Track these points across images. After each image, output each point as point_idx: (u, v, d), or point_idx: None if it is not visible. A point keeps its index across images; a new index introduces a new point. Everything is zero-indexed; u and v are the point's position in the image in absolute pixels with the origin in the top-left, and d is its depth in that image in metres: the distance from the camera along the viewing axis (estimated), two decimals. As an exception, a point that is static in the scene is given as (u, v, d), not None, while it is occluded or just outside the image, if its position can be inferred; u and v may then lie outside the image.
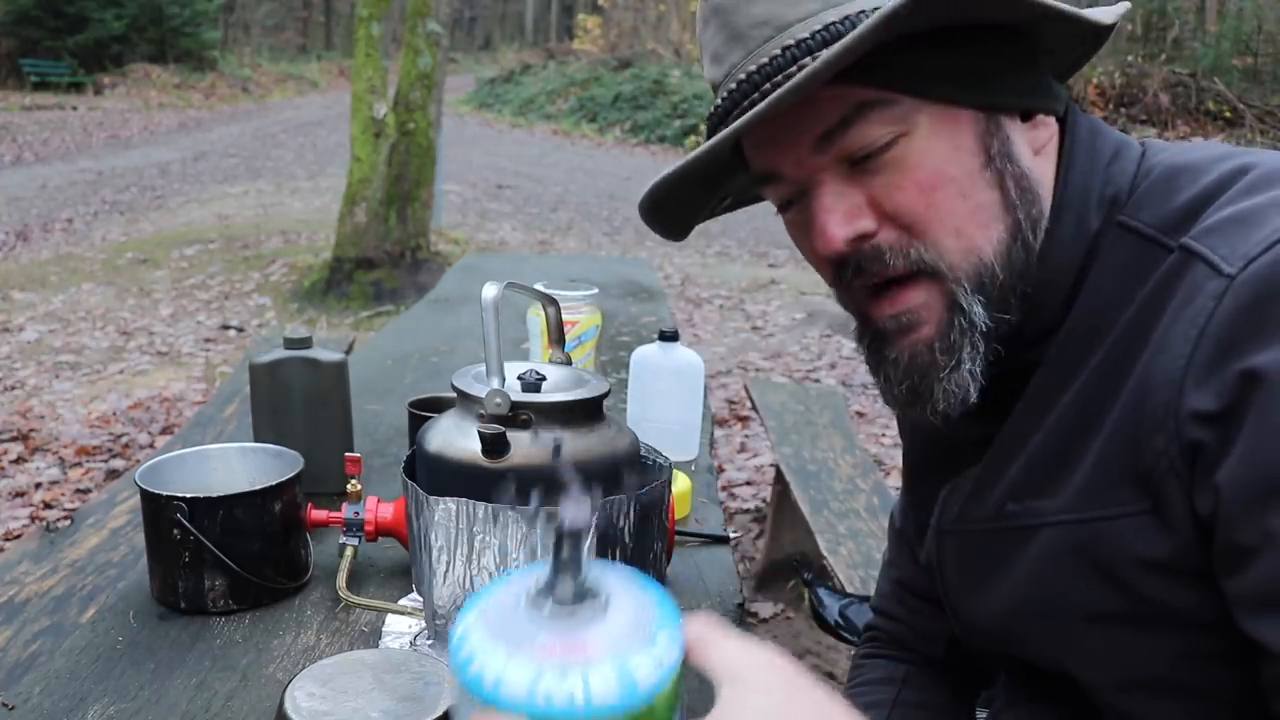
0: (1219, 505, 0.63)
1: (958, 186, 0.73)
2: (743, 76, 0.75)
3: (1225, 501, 0.63)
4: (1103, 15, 0.76)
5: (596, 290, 1.74)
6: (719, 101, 0.78)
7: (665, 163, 13.39)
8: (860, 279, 0.76)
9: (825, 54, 0.67)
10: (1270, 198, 0.67)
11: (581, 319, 1.70)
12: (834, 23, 0.72)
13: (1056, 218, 0.75)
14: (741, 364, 5.00)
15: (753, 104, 0.73)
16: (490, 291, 0.89)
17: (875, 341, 0.79)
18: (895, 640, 1.06)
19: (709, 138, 0.77)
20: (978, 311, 0.73)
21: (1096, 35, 0.79)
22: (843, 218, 0.74)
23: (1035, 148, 0.77)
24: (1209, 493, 0.64)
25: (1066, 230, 0.75)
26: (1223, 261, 0.65)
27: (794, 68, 0.71)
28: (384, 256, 6.41)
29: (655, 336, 1.64)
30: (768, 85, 0.72)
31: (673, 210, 0.88)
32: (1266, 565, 0.61)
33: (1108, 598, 0.71)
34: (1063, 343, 0.75)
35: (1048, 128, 0.78)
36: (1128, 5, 0.80)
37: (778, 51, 0.73)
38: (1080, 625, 0.75)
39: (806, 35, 0.72)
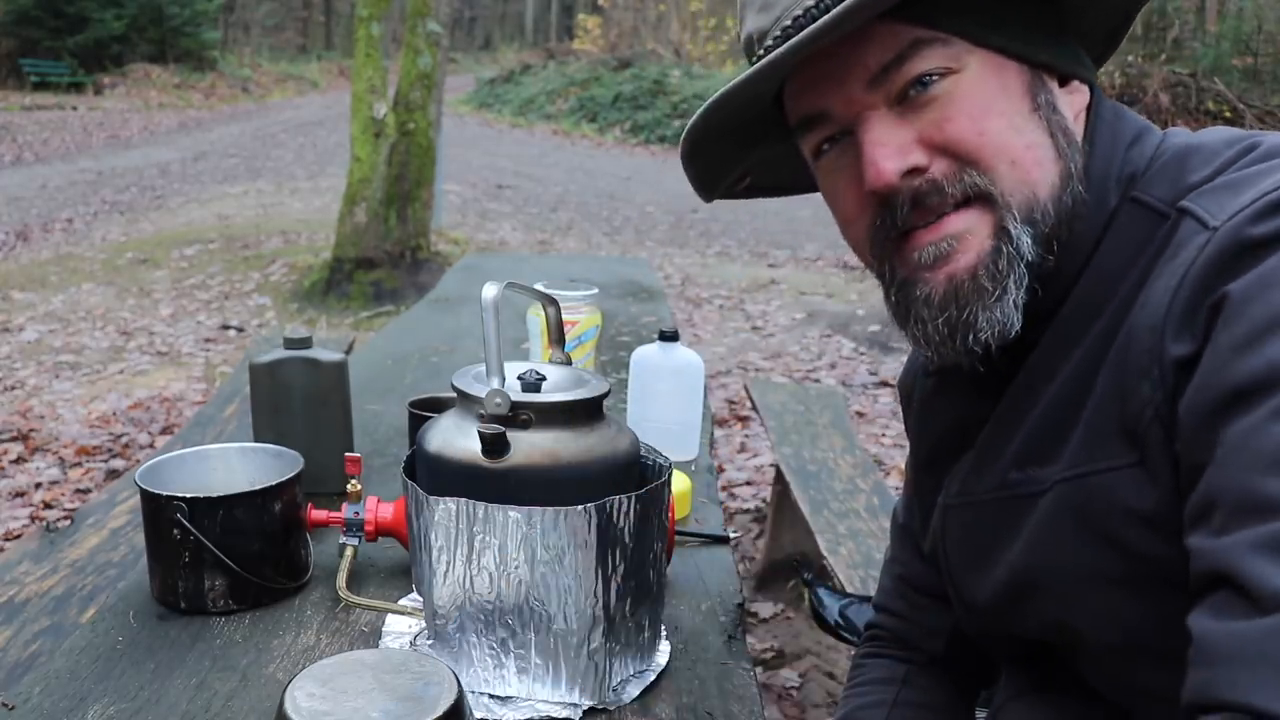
0: (1182, 435, 0.63)
1: (1010, 121, 0.73)
2: (799, 12, 0.74)
3: (1184, 428, 0.63)
4: None
5: (596, 290, 1.74)
6: (769, 43, 0.77)
7: (665, 162, 13.47)
8: (918, 215, 0.75)
9: None
10: (1267, 166, 0.69)
11: (581, 319, 1.69)
12: None
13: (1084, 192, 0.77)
14: (741, 364, 5.00)
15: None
16: (490, 291, 0.89)
17: (905, 286, 0.77)
18: (897, 638, 1.06)
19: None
20: (1026, 242, 0.73)
21: (1125, 14, 0.81)
22: (895, 150, 0.73)
23: (1073, 112, 0.78)
24: (1177, 426, 0.64)
25: (1089, 207, 0.76)
26: (1210, 217, 0.66)
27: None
28: (384, 256, 6.40)
29: (655, 336, 1.64)
30: (825, 18, 0.71)
31: (709, 162, 0.87)
32: (1210, 475, 0.61)
33: (1102, 558, 0.71)
34: (1067, 315, 0.76)
35: (1082, 95, 0.79)
36: None
37: None
38: (1078, 589, 0.74)
39: None
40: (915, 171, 0.74)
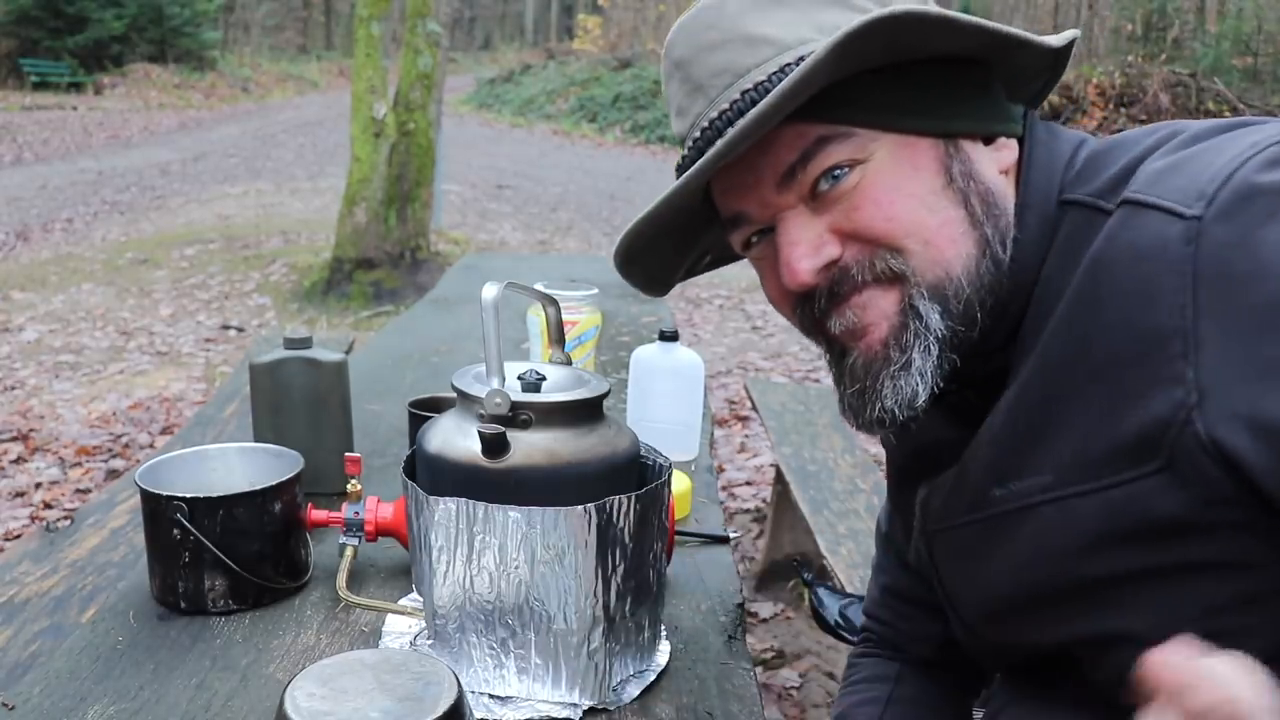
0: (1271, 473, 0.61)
1: (920, 201, 0.74)
2: (705, 124, 0.77)
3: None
4: (1052, 40, 0.78)
5: (596, 290, 1.74)
6: (685, 152, 0.80)
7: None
8: (833, 304, 0.77)
9: (777, 89, 0.69)
10: (1201, 148, 0.69)
11: (581, 319, 1.70)
12: (788, 64, 0.73)
13: (1020, 220, 0.77)
14: (741, 364, 5.00)
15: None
16: (490, 291, 0.89)
17: (840, 356, 0.80)
18: (888, 642, 1.07)
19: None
20: (934, 319, 0.74)
21: (1054, 61, 0.80)
22: (808, 249, 0.75)
23: (1002, 169, 0.78)
24: (1257, 436, 0.62)
25: (1030, 230, 0.76)
26: (1179, 205, 0.65)
27: (752, 110, 0.72)
28: (384, 256, 6.40)
29: (655, 336, 1.64)
30: (729, 130, 0.73)
31: (651, 264, 0.89)
32: None
33: (1131, 559, 0.70)
34: (1025, 329, 0.76)
35: (1011, 150, 0.79)
36: (1076, 32, 0.82)
37: (736, 96, 0.75)
38: (1103, 590, 0.73)
39: (764, 78, 0.74)
40: (830, 265, 0.75)
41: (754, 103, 0.73)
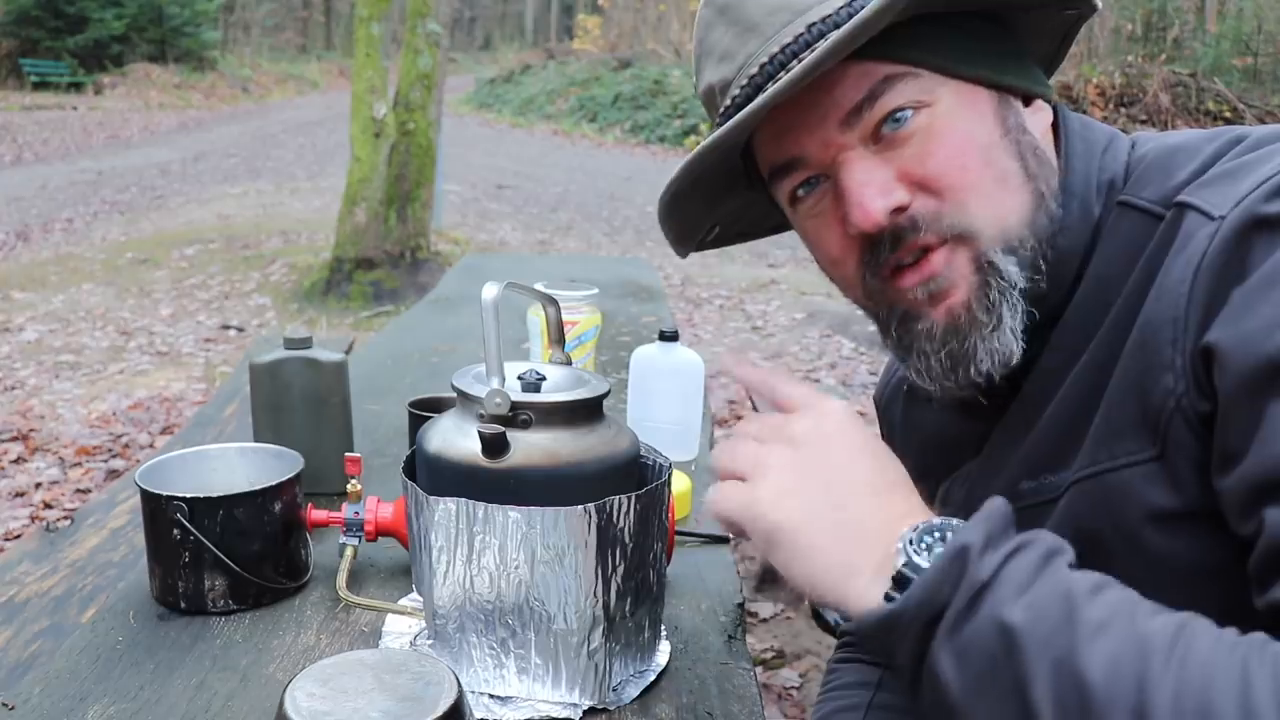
0: (1217, 411, 0.62)
1: (984, 153, 0.73)
2: (765, 59, 0.74)
3: (1224, 402, 0.61)
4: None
5: (596, 290, 1.74)
6: (735, 93, 0.77)
7: (665, 162, 13.46)
8: (896, 253, 0.75)
9: (854, 20, 0.68)
10: (1258, 155, 0.68)
11: (581, 319, 1.70)
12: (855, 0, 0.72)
13: (1065, 206, 0.76)
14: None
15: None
16: (490, 291, 0.89)
17: (904, 321, 0.77)
18: None
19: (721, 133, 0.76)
20: (1012, 270, 0.73)
21: (1066, 33, 0.81)
22: (878, 190, 0.73)
23: (1039, 130, 0.78)
24: (1209, 403, 0.62)
25: (1073, 218, 0.76)
26: (1214, 207, 0.66)
27: (820, 42, 0.71)
28: (384, 256, 6.40)
29: (655, 336, 1.64)
30: (793, 63, 0.72)
31: (688, 215, 0.87)
32: (1262, 447, 0.58)
33: (1120, 555, 0.69)
34: (1068, 324, 0.75)
35: (1045, 113, 0.79)
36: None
37: (801, 30, 0.73)
38: None
39: (830, 12, 0.72)
40: (899, 210, 0.74)
41: (820, 35, 0.72)
